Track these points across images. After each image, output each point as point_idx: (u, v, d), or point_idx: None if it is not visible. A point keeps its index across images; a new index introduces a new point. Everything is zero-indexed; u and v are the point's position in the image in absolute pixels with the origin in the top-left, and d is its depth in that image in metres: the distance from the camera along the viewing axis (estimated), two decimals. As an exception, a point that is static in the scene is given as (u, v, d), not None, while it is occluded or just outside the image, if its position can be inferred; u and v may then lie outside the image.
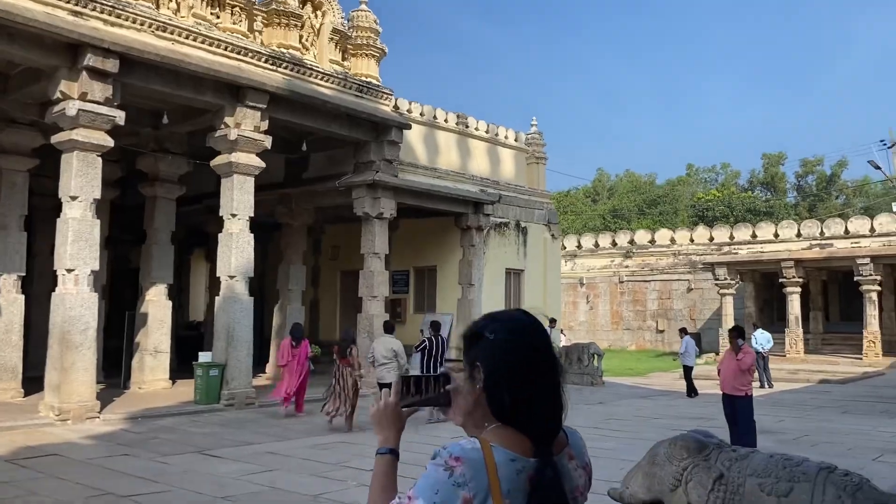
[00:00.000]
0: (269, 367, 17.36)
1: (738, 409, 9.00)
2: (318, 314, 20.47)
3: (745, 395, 9.04)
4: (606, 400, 15.38)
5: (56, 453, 8.93)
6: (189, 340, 20.30)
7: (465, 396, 1.59)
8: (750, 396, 9.13)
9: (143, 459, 8.70)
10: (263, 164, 13.56)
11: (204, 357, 13.23)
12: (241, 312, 13.14)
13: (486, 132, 18.90)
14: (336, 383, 10.97)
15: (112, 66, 11.10)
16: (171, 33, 12.25)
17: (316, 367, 12.85)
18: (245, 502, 6.78)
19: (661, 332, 32.57)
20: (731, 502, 3.56)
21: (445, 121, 17.93)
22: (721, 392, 9.40)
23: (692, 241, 33.45)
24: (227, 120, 13.00)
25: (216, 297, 13.60)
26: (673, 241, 34.04)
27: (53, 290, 16.19)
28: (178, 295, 21.06)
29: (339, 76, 14.99)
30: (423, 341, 11.76)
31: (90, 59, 10.84)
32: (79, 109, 10.99)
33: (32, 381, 13.07)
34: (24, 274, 13.15)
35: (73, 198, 11.24)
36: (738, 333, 9.45)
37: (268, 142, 13.41)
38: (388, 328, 11.56)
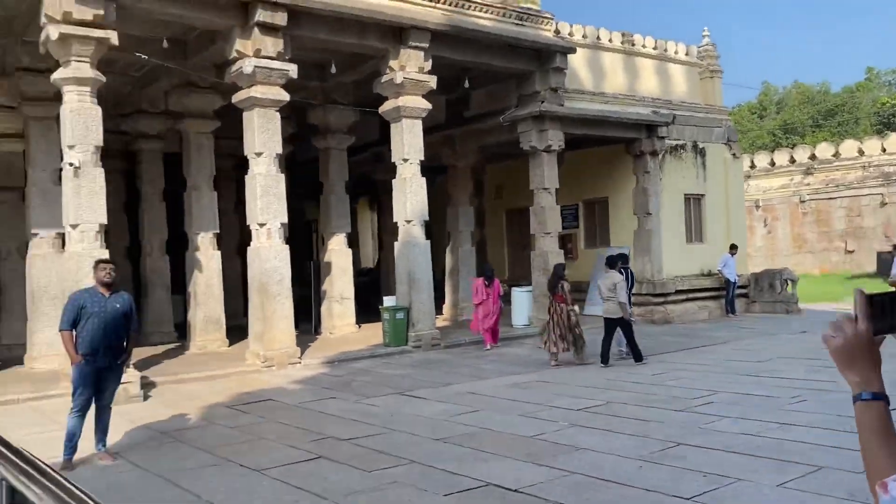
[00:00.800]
0: (445, 309, 17.51)
1: None
2: (486, 254, 20.35)
3: None
4: (810, 328, 14.17)
5: (270, 398, 9.37)
6: (362, 286, 20.91)
7: None
8: None
9: (350, 402, 8.93)
10: (430, 106, 13.38)
11: (388, 301, 13.49)
12: (420, 256, 13.21)
13: (654, 49, 17.60)
14: (552, 320, 10.88)
15: (281, 18, 11.18)
16: (332, -20, 12.14)
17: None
18: (461, 443, 6.71)
19: (851, 252, 29.83)
20: None
21: (610, 41, 16.86)
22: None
23: (884, 150, 30.06)
24: (392, 63, 12.86)
25: (395, 243, 13.74)
26: (861, 152, 30.75)
27: (239, 246, 17.33)
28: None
29: (498, 6, 14.38)
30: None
31: (260, 15, 10.96)
32: (255, 66, 11.21)
33: (231, 330, 13.97)
34: (218, 231, 13.91)
35: (258, 154, 11.59)
36: None
37: (433, 82, 13.18)
38: (611, 262, 11.17)
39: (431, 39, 12.90)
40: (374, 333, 14.15)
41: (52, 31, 9.56)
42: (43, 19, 9.66)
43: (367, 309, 16.94)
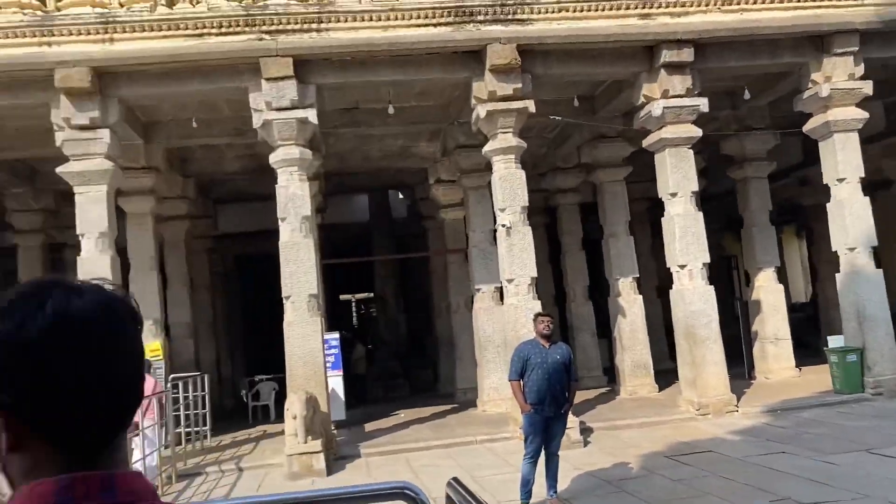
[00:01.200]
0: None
1: None
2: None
3: None
4: None
5: (709, 449, 8.88)
6: (796, 323, 18.93)
7: None
8: None
9: (803, 458, 7.96)
10: (866, 115, 11.67)
11: (834, 341, 11.89)
12: (870, 288, 11.43)
13: None
14: None
15: (687, 55, 10.90)
16: (738, 3, 11.47)
17: None
18: (964, 521, 5.43)
19: None
20: None
21: None
22: None
23: None
24: (814, 76, 11.57)
25: (835, 274, 12.14)
26: None
27: (654, 288, 17.15)
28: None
29: (946, -18, 12.02)
30: None
31: (666, 55, 10.83)
32: (663, 108, 11.08)
33: (657, 374, 13.74)
34: (637, 276, 13.96)
35: (673, 194, 11.37)
36: None
37: (867, 88, 11.49)
38: None
39: (861, 41, 11.32)
40: (817, 378, 12.60)
41: (481, 111, 10.78)
42: (472, 101, 10.97)
43: (804, 349, 15.29)
